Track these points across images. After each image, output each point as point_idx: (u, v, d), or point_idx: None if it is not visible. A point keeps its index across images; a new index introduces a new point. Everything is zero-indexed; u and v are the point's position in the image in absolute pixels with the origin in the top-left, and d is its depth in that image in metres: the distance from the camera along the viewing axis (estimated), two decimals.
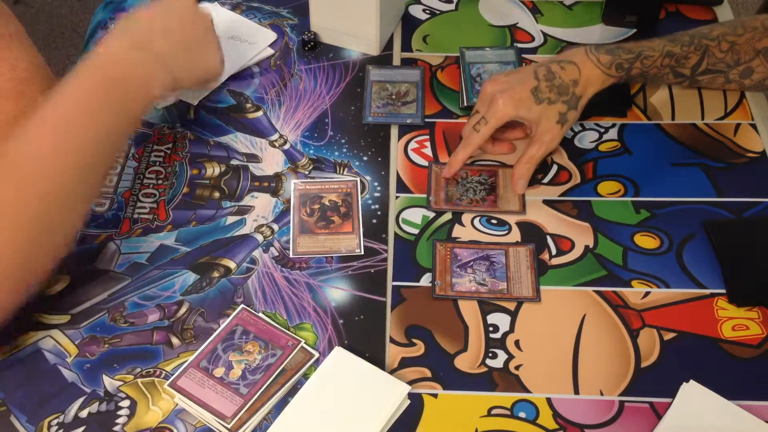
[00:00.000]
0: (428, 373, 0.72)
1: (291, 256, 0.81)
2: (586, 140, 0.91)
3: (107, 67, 0.75)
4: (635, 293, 0.77)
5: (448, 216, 0.84)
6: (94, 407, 0.70)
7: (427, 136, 0.92)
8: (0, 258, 0.65)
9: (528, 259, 0.80)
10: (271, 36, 1.04)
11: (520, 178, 0.84)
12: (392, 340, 0.74)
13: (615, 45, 0.85)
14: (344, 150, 0.91)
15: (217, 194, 0.87)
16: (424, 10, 1.08)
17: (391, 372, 0.72)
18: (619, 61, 0.83)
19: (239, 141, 0.92)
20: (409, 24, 1.06)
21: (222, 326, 0.74)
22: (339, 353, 0.72)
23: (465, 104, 0.95)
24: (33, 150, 0.68)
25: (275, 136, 0.93)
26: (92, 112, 0.72)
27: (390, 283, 0.79)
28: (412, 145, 0.91)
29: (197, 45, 0.85)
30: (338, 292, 0.78)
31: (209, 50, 0.88)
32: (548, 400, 0.70)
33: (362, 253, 0.81)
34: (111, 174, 0.88)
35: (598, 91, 0.83)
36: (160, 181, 0.88)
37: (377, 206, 0.85)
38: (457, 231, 0.83)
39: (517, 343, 0.74)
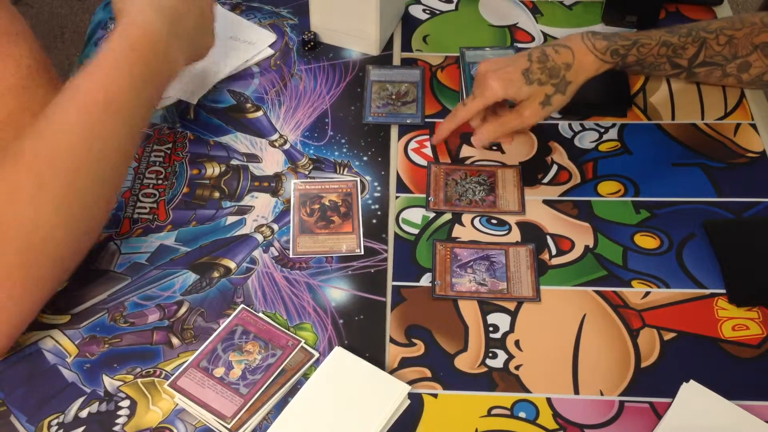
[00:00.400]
0: (428, 373, 0.72)
1: (291, 256, 0.81)
2: (586, 140, 0.91)
3: (137, 42, 0.75)
4: (635, 293, 0.77)
5: (448, 216, 0.84)
6: (94, 407, 0.70)
7: (427, 136, 0.92)
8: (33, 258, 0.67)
9: (528, 258, 0.80)
10: (271, 36, 1.04)
11: (483, 135, 0.84)
12: (392, 340, 0.74)
13: (612, 33, 0.85)
14: (344, 150, 0.91)
15: (217, 194, 0.87)
16: (424, 10, 1.08)
17: (391, 372, 0.72)
18: (615, 47, 0.82)
19: (239, 141, 0.92)
20: (409, 24, 1.06)
21: (222, 326, 0.74)
22: (339, 353, 0.72)
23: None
24: (62, 136, 0.69)
25: (275, 136, 0.93)
26: (123, 92, 0.73)
27: (390, 283, 0.79)
28: (412, 145, 0.91)
29: (203, 20, 0.86)
30: (338, 292, 0.78)
31: (209, 28, 0.89)
32: (548, 400, 0.70)
33: (362, 253, 0.81)
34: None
35: (590, 77, 0.83)
36: (160, 181, 0.88)
37: (377, 206, 0.85)
38: (457, 231, 0.83)
39: (517, 343, 0.74)
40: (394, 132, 0.93)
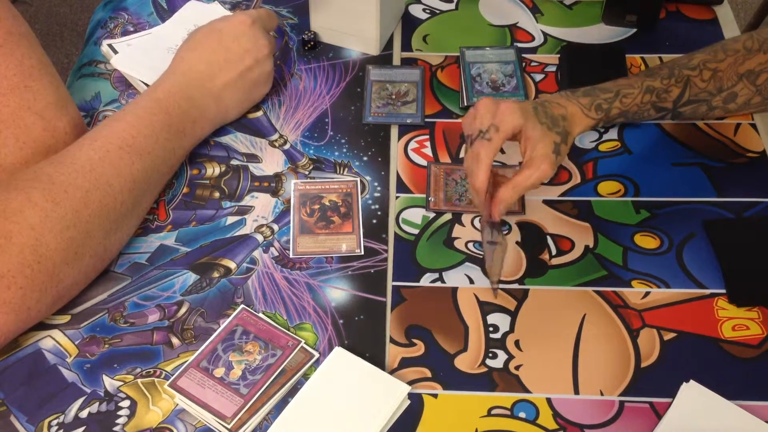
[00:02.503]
0: (428, 373, 0.72)
1: (291, 256, 0.81)
2: (586, 140, 0.91)
3: (172, 106, 0.81)
4: (635, 293, 0.77)
5: (448, 216, 0.84)
6: (94, 407, 0.70)
7: (427, 136, 0.92)
8: (46, 261, 0.68)
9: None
10: None
11: (501, 202, 0.74)
12: (392, 340, 0.75)
13: (591, 87, 0.81)
14: (344, 150, 0.91)
15: (217, 194, 0.87)
16: (424, 10, 1.08)
17: (391, 372, 0.72)
18: (598, 102, 0.80)
19: (239, 141, 0.92)
20: (409, 24, 1.06)
21: (222, 326, 0.74)
22: (339, 353, 0.72)
23: (465, 104, 0.95)
24: (78, 181, 0.72)
25: (275, 136, 0.93)
26: (154, 148, 0.78)
27: (390, 283, 0.79)
28: (412, 144, 0.91)
29: (252, 78, 0.90)
30: (338, 292, 0.78)
31: (264, 82, 0.92)
32: (548, 400, 0.70)
33: (362, 253, 0.81)
34: None
35: (582, 132, 0.80)
36: None
37: (377, 206, 0.85)
38: (457, 231, 0.83)
39: (517, 343, 0.74)
40: (394, 132, 0.93)
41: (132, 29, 1.04)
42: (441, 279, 0.79)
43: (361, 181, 0.87)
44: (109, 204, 0.73)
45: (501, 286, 0.78)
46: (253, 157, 0.90)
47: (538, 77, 0.99)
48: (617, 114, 0.82)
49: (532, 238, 0.82)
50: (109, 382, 0.72)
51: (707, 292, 0.77)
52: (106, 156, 0.74)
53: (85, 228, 0.71)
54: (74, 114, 0.81)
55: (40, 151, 0.77)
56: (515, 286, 0.78)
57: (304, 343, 0.73)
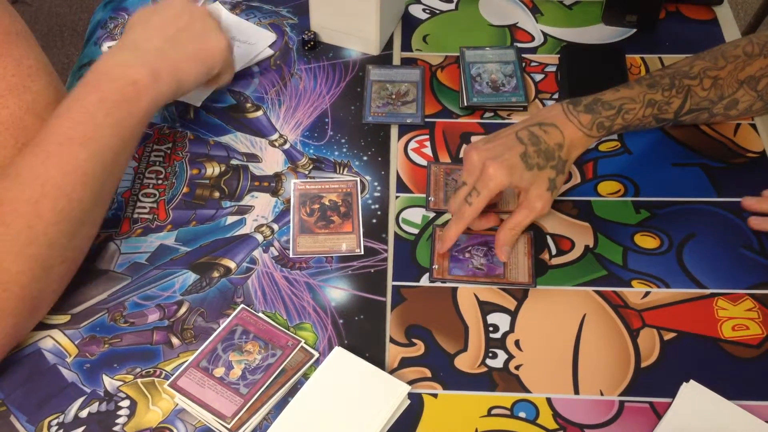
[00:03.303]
0: (428, 373, 0.72)
1: (291, 256, 0.81)
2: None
3: (103, 79, 0.75)
4: (635, 293, 0.77)
5: (448, 216, 0.84)
6: (94, 407, 0.70)
7: (427, 136, 0.92)
8: (12, 286, 0.67)
9: (526, 246, 0.80)
10: (271, 37, 1.03)
11: (504, 244, 0.77)
12: (392, 340, 0.74)
13: (593, 98, 0.80)
14: (344, 150, 0.91)
15: (217, 194, 0.87)
16: (424, 10, 1.08)
17: (391, 372, 0.72)
18: (600, 120, 0.78)
19: (239, 141, 0.92)
20: (409, 24, 1.06)
21: (222, 326, 0.74)
22: (339, 353, 0.72)
23: (465, 104, 0.95)
24: (39, 182, 0.69)
25: (275, 136, 0.93)
26: (95, 130, 0.72)
27: (390, 283, 0.79)
28: (412, 144, 0.91)
29: (196, 31, 0.84)
30: (338, 292, 0.78)
31: (209, 35, 0.85)
32: (548, 400, 0.70)
33: (362, 253, 0.81)
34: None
35: (581, 153, 0.80)
36: (160, 181, 0.88)
37: (377, 206, 0.85)
38: None
39: (517, 343, 0.74)
40: (394, 132, 0.93)
41: None
42: (441, 279, 0.79)
43: (361, 180, 0.87)
44: (65, 207, 0.69)
45: (509, 286, 0.78)
46: (253, 157, 0.90)
47: (538, 77, 0.99)
48: (619, 129, 0.80)
49: (532, 237, 0.82)
50: (109, 382, 0.72)
51: (707, 292, 0.77)
52: (48, 158, 0.70)
53: (46, 240, 0.68)
54: None
55: None
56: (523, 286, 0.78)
57: (304, 342, 0.73)
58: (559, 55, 1.01)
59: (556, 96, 0.96)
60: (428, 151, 0.90)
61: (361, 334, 0.75)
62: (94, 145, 0.72)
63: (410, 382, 0.70)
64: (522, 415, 0.69)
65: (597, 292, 0.78)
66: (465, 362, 0.73)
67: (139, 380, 0.72)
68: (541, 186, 0.76)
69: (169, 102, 0.82)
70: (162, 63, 0.79)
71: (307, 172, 0.89)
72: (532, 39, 1.04)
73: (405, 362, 0.73)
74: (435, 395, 0.71)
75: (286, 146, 0.91)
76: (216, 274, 0.79)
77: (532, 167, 0.75)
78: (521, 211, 0.77)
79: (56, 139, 0.71)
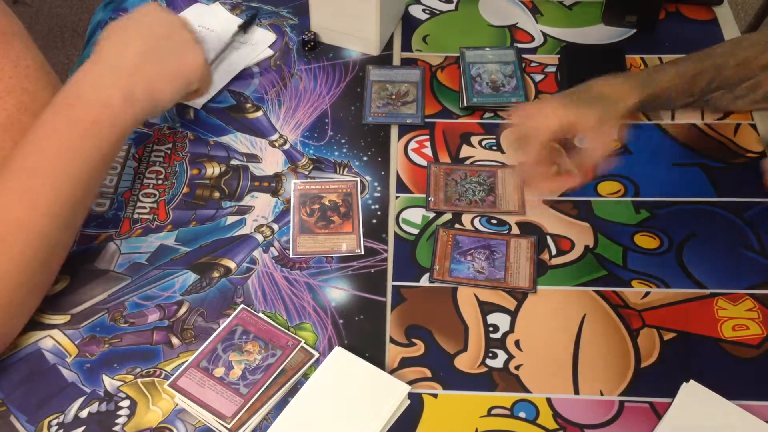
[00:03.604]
0: (428, 373, 0.72)
1: (291, 256, 0.81)
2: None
3: (76, 104, 0.73)
4: (635, 293, 0.77)
5: (447, 216, 0.84)
6: (94, 407, 0.70)
7: (427, 136, 0.92)
8: None
9: (528, 251, 0.80)
10: (271, 36, 1.04)
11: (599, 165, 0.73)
12: (392, 340, 0.74)
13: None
14: (344, 150, 0.91)
15: (217, 194, 0.87)
16: (424, 10, 1.08)
17: (391, 372, 0.72)
18: (633, 80, 0.75)
19: (239, 141, 0.92)
20: (409, 24, 1.06)
21: (222, 326, 0.74)
22: (339, 353, 0.72)
23: (465, 104, 0.95)
24: (4, 213, 0.67)
25: (275, 136, 0.93)
26: (65, 158, 0.70)
27: (390, 283, 0.79)
28: (412, 145, 0.91)
29: (172, 45, 0.80)
30: (338, 292, 0.78)
31: (186, 49, 0.82)
32: (548, 400, 0.70)
33: (362, 253, 0.81)
34: (111, 174, 0.88)
35: (629, 109, 0.74)
36: (160, 181, 0.88)
37: (377, 206, 0.85)
38: None
39: (517, 343, 0.74)
40: (394, 132, 0.93)
41: None
42: (441, 280, 0.79)
43: (361, 181, 0.87)
44: (32, 244, 0.67)
45: (512, 286, 0.78)
46: (253, 157, 0.90)
47: (538, 77, 0.99)
48: (651, 96, 0.75)
49: (536, 243, 0.82)
50: (109, 382, 0.72)
51: (707, 292, 0.77)
52: (8, 194, 0.68)
53: (15, 281, 0.67)
54: None
55: None
56: (524, 285, 0.78)
57: (304, 342, 0.73)
58: (559, 56, 1.01)
59: None
60: (428, 151, 0.90)
61: (361, 334, 0.75)
62: (63, 176, 0.70)
63: (410, 382, 0.70)
64: (522, 415, 0.69)
65: (597, 292, 0.78)
66: (465, 362, 0.73)
67: (139, 380, 0.72)
68: (590, 120, 0.72)
69: (144, 122, 0.79)
70: (137, 83, 0.76)
71: (307, 173, 0.89)
72: (532, 39, 1.04)
73: (405, 362, 0.73)
74: (435, 395, 0.71)
75: (286, 146, 0.92)
76: (216, 274, 0.79)
77: (581, 106, 0.72)
78: (594, 142, 0.72)
79: (22, 173, 0.69)
